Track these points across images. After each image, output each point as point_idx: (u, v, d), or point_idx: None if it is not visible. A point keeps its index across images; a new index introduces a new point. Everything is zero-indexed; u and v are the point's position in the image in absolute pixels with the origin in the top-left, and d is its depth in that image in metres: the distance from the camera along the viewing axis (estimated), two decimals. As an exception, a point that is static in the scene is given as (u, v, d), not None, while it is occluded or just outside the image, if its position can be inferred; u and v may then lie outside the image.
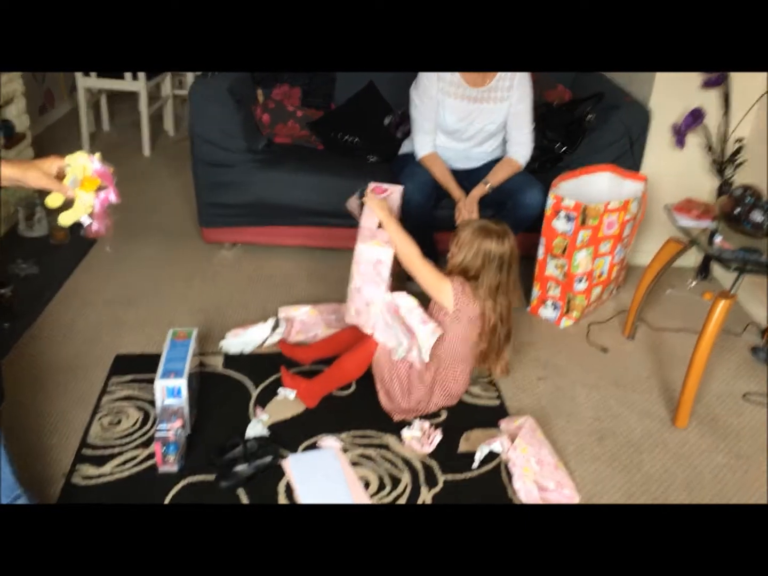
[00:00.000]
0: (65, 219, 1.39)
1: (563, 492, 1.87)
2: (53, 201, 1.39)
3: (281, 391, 2.19)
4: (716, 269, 3.09)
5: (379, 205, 2.09)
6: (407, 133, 2.90)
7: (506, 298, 2.09)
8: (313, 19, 1.33)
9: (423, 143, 2.73)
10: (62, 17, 1.25)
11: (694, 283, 3.08)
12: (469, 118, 2.70)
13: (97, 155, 1.42)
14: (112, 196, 1.42)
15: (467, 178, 2.75)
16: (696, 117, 2.86)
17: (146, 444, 1.97)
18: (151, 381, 1.97)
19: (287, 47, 1.35)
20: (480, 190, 2.65)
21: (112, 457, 1.93)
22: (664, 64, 1.49)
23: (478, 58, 1.43)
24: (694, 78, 2.82)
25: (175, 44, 1.31)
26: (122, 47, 1.30)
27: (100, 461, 1.91)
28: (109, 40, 1.29)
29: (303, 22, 1.33)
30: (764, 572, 0.97)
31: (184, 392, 1.94)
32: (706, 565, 1.00)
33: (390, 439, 2.06)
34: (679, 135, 2.92)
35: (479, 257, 2.04)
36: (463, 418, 2.16)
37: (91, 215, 1.40)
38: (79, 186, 1.38)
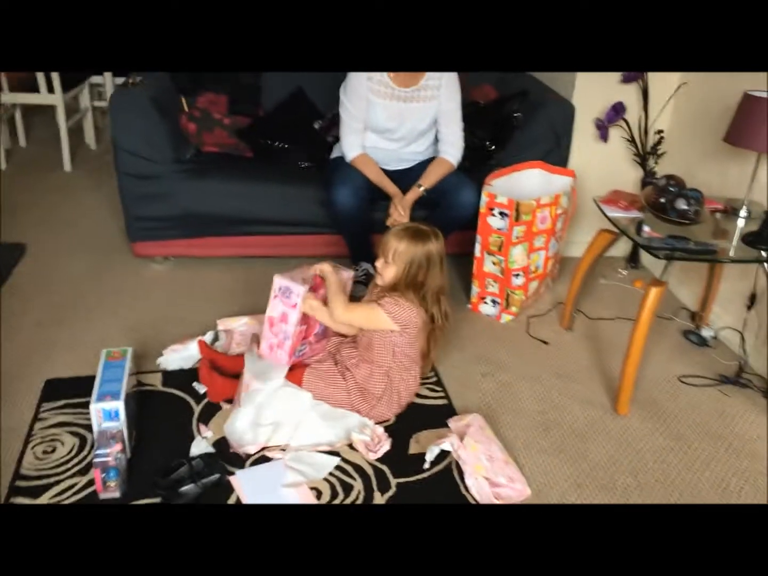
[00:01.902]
0: None
1: (515, 486, 1.89)
2: None
3: (195, 384, 2.22)
4: (645, 257, 3.19)
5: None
6: (338, 137, 2.88)
7: (446, 296, 2.10)
8: (244, 20, 1.30)
9: (352, 144, 2.71)
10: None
11: (625, 272, 3.17)
12: (399, 117, 2.70)
13: None
14: None
15: (400, 179, 2.75)
16: (617, 111, 2.95)
17: (84, 471, 1.88)
18: (86, 405, 1.88)
19: (213, 47, 1.32)
20: (414, 193, 2.66)
21: (48, 487, 1.83)
22: (585, 65, 1.53)
23: (407, 58, 1.44)
24: (614, 73, 2.90)
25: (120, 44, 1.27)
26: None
27: (36, 492, 1.81)
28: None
29: (234, 23, 1.30)
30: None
31: (122, 414, 1.87)
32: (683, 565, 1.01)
33: (340, 447, 2.03)
34: (602, 129, 3.01)
35: (424, 261, 2.03)
36: (412, 419, 2.15)
37: None
38: None
